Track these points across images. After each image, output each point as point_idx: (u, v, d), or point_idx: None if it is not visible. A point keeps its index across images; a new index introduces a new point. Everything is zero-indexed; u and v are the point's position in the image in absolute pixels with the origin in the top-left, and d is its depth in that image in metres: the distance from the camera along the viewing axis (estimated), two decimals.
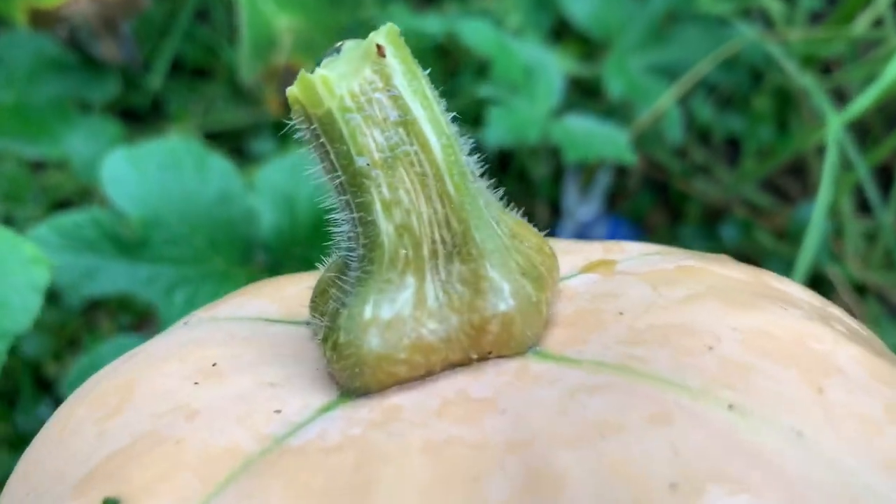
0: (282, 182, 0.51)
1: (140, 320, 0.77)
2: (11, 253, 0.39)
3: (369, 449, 0.19)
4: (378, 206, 0.21)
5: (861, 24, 0.64)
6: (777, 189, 0.81)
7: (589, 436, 0.18)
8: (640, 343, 0.21)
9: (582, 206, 0.72)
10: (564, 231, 0.74)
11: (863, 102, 0.56)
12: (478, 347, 0.22)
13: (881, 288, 0.73)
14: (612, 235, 0.74)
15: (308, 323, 0.25)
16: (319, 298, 0.24)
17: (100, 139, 0.66)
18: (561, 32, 0.79)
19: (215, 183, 0.50)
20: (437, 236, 0.21)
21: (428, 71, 0.23)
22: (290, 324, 0.25)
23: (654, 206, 0.78)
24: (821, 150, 0.76)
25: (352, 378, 0.21)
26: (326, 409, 0.21)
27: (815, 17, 0.82)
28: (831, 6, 0.82)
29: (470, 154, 0.22)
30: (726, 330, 0.20)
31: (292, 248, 0.52)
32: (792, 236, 0.72)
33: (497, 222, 0.22)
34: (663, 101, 0.63)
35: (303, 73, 0.21)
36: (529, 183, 0.75)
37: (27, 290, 0.39)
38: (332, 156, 0.21)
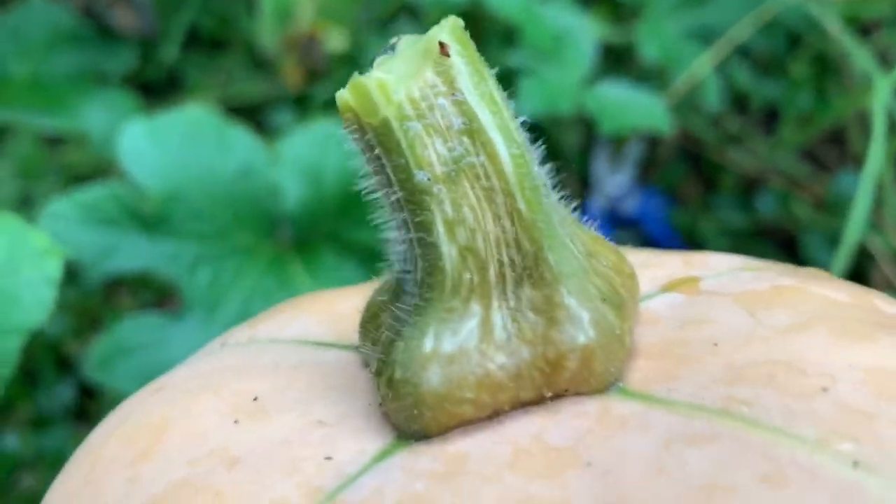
0: (306, 154, 0.49)
1: (162, 298, 0.76)
2: (21, 245, 0.37)
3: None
4: (440, 226, 0.18)
5: None
6: (814, 158, 0.78)
7: (694, 501, 0.15)
8: (741, 382, 0.18)
9: (612, 176, 0.70)
10: (594, 204, 0.72)
11: None
12: (553, 385, 0.19)
13: None
14: (644, 206, 0.71)
15: (359, 348, 0.22)
16: (370, 324, 0.21)
17: (117, 112, 0.64)
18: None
19: (237, 156, 0.48)
20: (505, 258, 0.19)
21: None
22: (341, 348, 0.23)
23: (686, 176, 0.75)
24: (861, 118, 0.73)
25: (409, 420, 0.19)
26: (382, 456, 0.19)
27: None
28: None
29: (541, 164, 0.20)
30: (841, 368, 0.18)
31: (320, 223, 0.50)
32: (831, 207, 0.69)
33: (572, 240, 0.19)
34: (699, 67, 0.61)
35: (356, 78, 0.18)
36: (557, 154, 0.73)
37: (40, 284, 0.38)
38: (389, 169, 0.18)
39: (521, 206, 0.19)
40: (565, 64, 0.57)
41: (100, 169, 0.78)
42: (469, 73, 0.18)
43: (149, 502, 0.19)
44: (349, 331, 0.22)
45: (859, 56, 0.60)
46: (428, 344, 0.19)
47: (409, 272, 0.19)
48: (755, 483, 0.15)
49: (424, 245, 0.18)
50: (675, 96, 0.63)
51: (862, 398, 0.17)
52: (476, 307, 0.19)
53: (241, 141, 0.49)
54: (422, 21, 0.77)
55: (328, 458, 0.18)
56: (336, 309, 0.24)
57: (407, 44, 0.19)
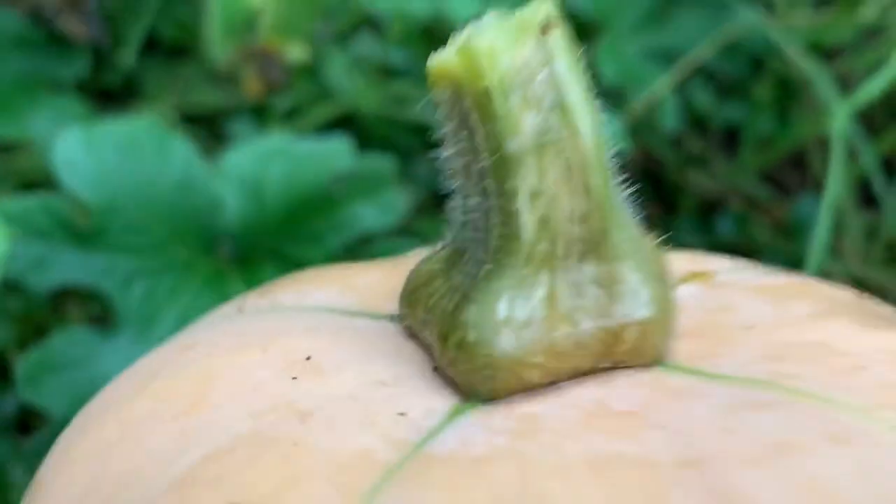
0: (249, 167, 0.47)
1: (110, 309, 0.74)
2: None
3: (526, 461, 0.17)
4: (524, 195, 0.19)
5: (870, 10, 0.60)
6: (775, 181, 0.78)
7: (770, 455, 0.17)
8: (782, 359, 0.19)
9: None
10: None
11: (870, 90, 0.52)
12: (610, 356, 0.20)
13: (882, 285, 0.70)
14: None
15: (392, 318, 0.23)
16: (420, 292, 0.22)
17: (67, 119, 0.62)
18: None
19: (177, 167, 0.46)
20: (575, 232, 0.20)
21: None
22: (371, 317, 0.23)
23: (647, 197, 0.75)
24: (822, 142, 0.72)
25: (479, 382, 0.19)
26: (454, 414, 0.19)
27: (821, 2, 0.79)
28: None
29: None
30: (870, 350, 0.20)
31: (261, 239, 0.49)
32: (791, 231, 0.69)
33: (631, 224, 0.21)
34: (659, 88, 0.60)
35: (465, 41, 0.19)
36: None
37: None
38: (481, 136, 0.19)
39: (596, 183, 0.20)
40: None
41: (50, 176, 0.76)
42: (566, 54, 0.19)
43: (215, 453, 0.18)
44: (375, 302, 0.23)
45: (819, 80, 0.60)
46: (503, 309, 0.19)
47: (480, 242, 0.20)
48: (823, 440, 0.17)
49: (506, 213, 0.19)
50: (634, 116, 0.63)
51: (893, 376, 0.19)
52: (545, 277, 0.20)
53: (181, 152, 0.47)
54: (383, 33, 0.76)
55: (402, 414, 0.19)
56: (352, 282, 0.25)
57: (497, 20, 0.19)
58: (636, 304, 0.20)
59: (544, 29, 0.19)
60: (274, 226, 0.49)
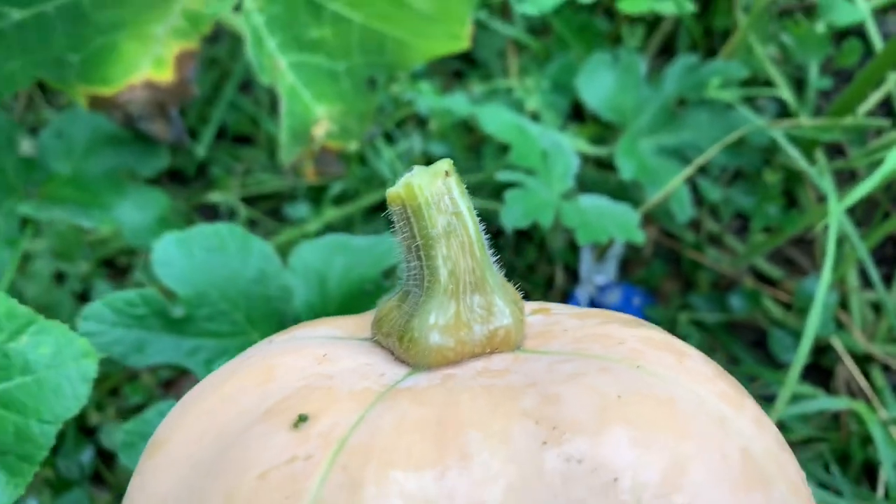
0: (314, 262, 0.55)
1: (178, 374, 0.82)
2: (66, 346, 0.44)
3: (447, 390, 0.33)
4: (440, 258, 0.36)
5: (861, 113, 0.67)
6: (787, 259, 0.83)
7: (570, 378, 0.33)
8: (582, 342, 0.36)
9: (597, 274, 0.76)
10: (580, 295, 0.77)
11: (862, 190, 0.59)
12: (490, 346, 0.36)
13: (886, 359, 0.75)
14: (626, 301, 0.77)
15: (365, 339, 0.39)
16: (384, 319, 0.38)
17: (149, 208, 0.71)
18: (579, 113, 0.83)
19: (255, 263, 0.54)
20: (468, 278, 0.36)
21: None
22: (355, 339, 0.39)
23: (666, 274, 0.81)
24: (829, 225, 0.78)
25: (419, 360, 0.36)
26: (408, 375, 0.35)
27: (827, 96, 0.85)
28: (842, 83, 0.85)
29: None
30: (628, 335, 0.36)
31: None
32: (799, 307, 0.75)
33: (497, 276, 0.38)
34: (673, 183, 0.67)
35: (407, 180, 0.36)
36: (548, 251, 0.79)
37: (78, 381, 0.45)
38: (416, 228, 0.36)
39: (477, 252, 0.36)
40: (552, 179, 0.64)
41: (128, 252, 0.85)
42: (457, 186, 0.36)
43: (284, 397, 0.34)
44: (355, 332, 0.40)
45: (818, 179, 0.66)
46: (432, 319, 0.36)
47: (419, 285, 0.36)
48: (597, 371, 0.33)
49: (430, 269, 0.36)
50: (651, 206, 0.69)
51: (640, 346, 0.35)
52: (453, 303, 0.36)
53: (259, 250, 0.55)
54: (424, 127, 0.83)
55: (381, 375, 0.35)
56: (341, 324, 0.41)
57: (422, 169, 0.36)
58: (502, 317, 0.37)
59: (446, 174, 0.36)
60: (334, 311, 0.56)
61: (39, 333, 0.46)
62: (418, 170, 0.36)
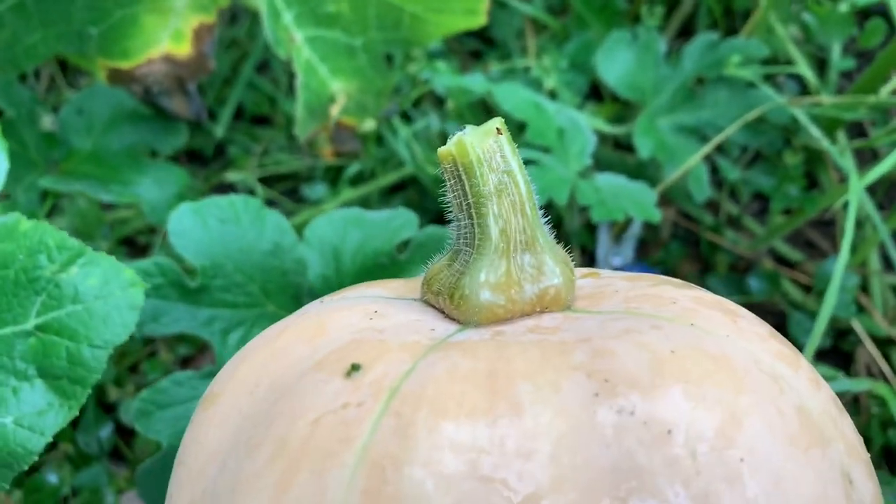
0: (329, 235, 0.55)
1: (196, 351, 0.82)
2: (114, 277, 0.46)
3: (497, 344, 0.33)
4: (491, 217, 0.36)
5: (884, 92, 0.66)
6: (807, 241, 0.82)
7: (622, 334, 0.33)
8: (633, 301, 0.36)
9: (614, 255, 0.75)
10: None
11: (884, 167, 0.58)
12: (540, 304, 0.36)
13: None
14: None
15: (416, 299, 0.39)
16: (434, 278, 0.38)
17: (168, 184, 0.71)
18: (597, 92, 0.82)
19: (270, 236, 0.54)
20: (519, 237, 0.36)
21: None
22: (405, 300, 0.40)
23: (684, 256, 0.80)
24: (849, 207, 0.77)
25: (470, 315, 0.36)
26: (458, 331, 0.36)
27: (849, 78, 0.84)
28: (865, 64, 0.83)
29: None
30: (679, 296, 0.36)
31: None
32: (819, 290, 0.74)
33: (548, 236, 0.38)
34: (691, 161, 0.66)
35: (458, 138, 0.36)
36: (565, 232, 0.79)
37: (126, 308, 0.47)
38: (467, 186, 0.36)
39: (528, 211, 0.36)
40: (568, 157, 0.63)
41: (148, 230, 0.85)
42: (508, 143, 0.36)
43: (336, 349, 0.34)
44: (403, 293, 0.40)
45: (839, 157, 0.65)
46: (483, 277, 0.36)
47: (469, 244, 0.37)
48: (649, 328, 0.33)
49: (481, 227, 0.36)
50: (669, 185, 0.68)
51: (692, 305, 0.35)
52: (504, 261, 0.36)
53: (274, 222, 0.55)
54: (441, 107, 0.83)
55: (432, 329, 0.35)
56: (389, 286, 0.42)
57: (473, 128, 0.36)
58: (553, 277, 0.37)
59: (498, 132, 0.36)
60: (349, 284, 0.56)
61: (88, 265, 0.47)
62: (470, 128, 0.36)
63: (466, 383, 0.31)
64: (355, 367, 0.33)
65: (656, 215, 0.61)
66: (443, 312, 0.37)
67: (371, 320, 0.36)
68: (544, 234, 0.37)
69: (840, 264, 0.57)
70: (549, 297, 0.36)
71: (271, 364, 0.36)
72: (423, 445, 0.29)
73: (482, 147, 0.35)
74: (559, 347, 0.32)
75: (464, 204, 0.36)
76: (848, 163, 0.65)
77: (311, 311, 0.39)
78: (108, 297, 0.48)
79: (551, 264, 0.36)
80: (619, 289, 0.37)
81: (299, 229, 0.63)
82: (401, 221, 0.56)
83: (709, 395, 0.30)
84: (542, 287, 0.36)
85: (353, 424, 0.30)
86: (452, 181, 0.36)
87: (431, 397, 0.30)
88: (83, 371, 0.46)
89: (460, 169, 0.35)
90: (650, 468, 0.28)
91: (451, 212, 0.37)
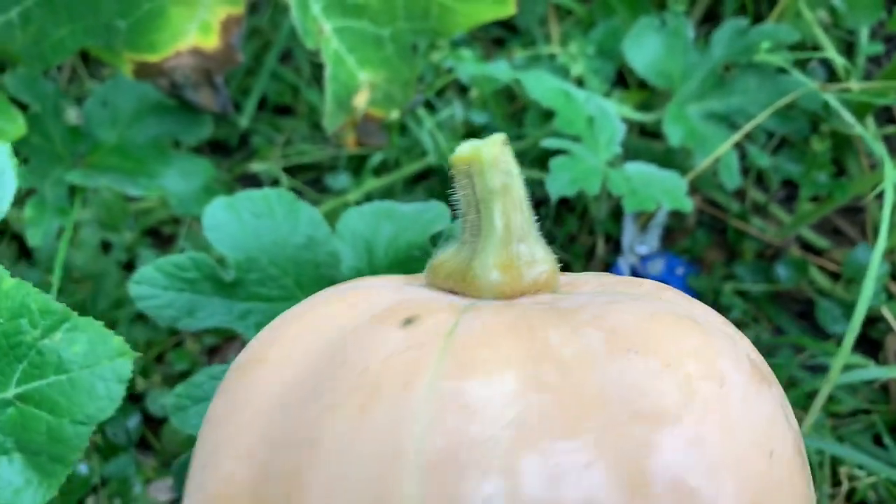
0: (361, 229, 0.55)
1: (223, 341, 0.82)
2: (101, 345, 0.44)
3: (517, 307, 0.43)
4: (496, 211, 0.44)
5: None
6: (834, 229, 0.82)
7: (610, 304, 0.42)
8: (607, 286, 0.47)
9: (639, 244, 0.75)
10: (623, 265, 0.77)
11: None
12: (535, 286, 0.46)
13: None
14: (669, 271, 0.76)
15: (422, 284, 0.48)
16: (441, 266, 0.47)
17: (193, 176, 0.71)
18: (625, 79, 0.81)
19: (303, 229, 0.55)
20: (518, 230, 0.45)
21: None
22: (412, 286, 0.47)
23: (710, 244, 0.80)
24: (880, 193, 0.77)
25: (483, 292, 0.45)
26: (472, 304, 0.44)
27: (878, 63, 0.83)
28: (893, 48, 0.83)
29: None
30: (644, 282, 0.46)
31: None
32: (848, 277, 0.73)
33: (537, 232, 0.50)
34: (721, 149, 0.66)
35: (472, 145, 0.44)
36: (589, 221, 0.78)
37: (113, 381, 0.45)
38: (477, 185, 0.45)
39: (524, 209, 0.46)
40: (598, 145, 0.63)
41: (172, 221, 0.85)
42: (509, 153, 0.45)
43: (386, 307, 0.42)
44: (408, 282, 0.49)
45: (871, 143, 0.64)
46: (491, 260, 0.45)
47: (476, 235, 0.46)
48: (628, 300, 0.43)
49: (488, 220, 0.45)
50: (698, 173, 0.68)
51: (655, 290, 0.45)
52: (506, 249, 0.45)
53: (307, 215, 0.56)
54: (465, 96, 0.83)
55: (451, 302, 0.44)
56: (392, 278, 0.49)
57: (485, 139, 0.45)
58: (544, 264, 0.46)
59: (503, 143, 0.45)
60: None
61: (73, 331, 0.45)
62: (478, 140, 0.45)
63: (507, 332, 0.40)
64: (409, 321, 0.40)
65: (688, 204, 0.61)
66: (452, 293, 0.47)
67: (402, 292, 0.45)
68: (535, 229, 0.47)
69: (878, 252, 0.57)
70: (542, 281, 0.46)
71: (320, 327, 0.42)
72: (481, 381, 0.37)
73: (492, 153, 0.45)
74: (566, 311, 0.42)
75: (473, 201, 0.45)
76: (880, 148, 0.64)
77: (334, 290, 0.47)
78: (94, 367, 0.45)
79: (542, 254, 0.47)
80: (589, 280, 0.49)
81: (325, 219, 0.62)
82: (433, 214, 0.57)
83: (690, 342, 0.39)
84: (538, 271, 0.46)
85: (422, 358, 0.38)
86: (464, 181, 0.46)
87: (482, 340, 0.39)
88: (64, 448, 0.43)
89: (472, 170, 0.45)
90: (657, 392, 0.37)
91: (459, 208, 0.47)
